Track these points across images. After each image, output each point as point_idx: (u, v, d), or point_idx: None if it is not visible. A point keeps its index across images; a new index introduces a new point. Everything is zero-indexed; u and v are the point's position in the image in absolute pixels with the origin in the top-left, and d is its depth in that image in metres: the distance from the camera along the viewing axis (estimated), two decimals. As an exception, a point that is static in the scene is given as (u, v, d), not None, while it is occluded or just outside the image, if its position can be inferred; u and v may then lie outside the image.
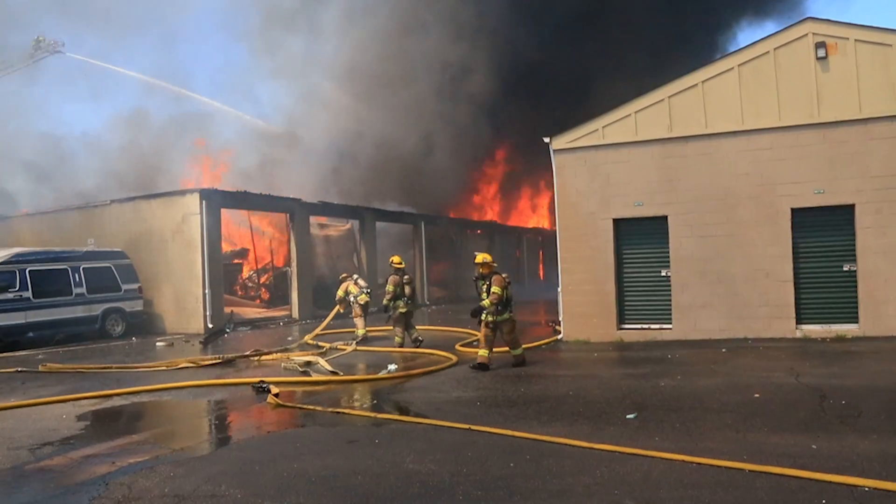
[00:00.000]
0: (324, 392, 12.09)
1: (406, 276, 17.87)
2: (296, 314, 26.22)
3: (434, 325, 22.74)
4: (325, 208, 28.44)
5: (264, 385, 12.13)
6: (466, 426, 8.80)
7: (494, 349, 13.73)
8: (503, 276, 13.92)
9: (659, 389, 10.94)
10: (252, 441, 8.91)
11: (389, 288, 17.45)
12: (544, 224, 50.60)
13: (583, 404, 10.11)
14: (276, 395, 11.18)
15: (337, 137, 31.62)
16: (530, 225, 49.57)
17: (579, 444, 7.81)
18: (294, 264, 26.46)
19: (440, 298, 34.28)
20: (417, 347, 16.95)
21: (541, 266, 48.55)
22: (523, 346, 14.49)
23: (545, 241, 48.52)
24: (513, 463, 7.29)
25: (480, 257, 14.04)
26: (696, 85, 16.16)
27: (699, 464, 7.00)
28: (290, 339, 20.21)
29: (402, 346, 17.18)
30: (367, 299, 19.38)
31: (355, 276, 20.37)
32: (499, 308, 13.61)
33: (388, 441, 8.37)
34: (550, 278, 47.05)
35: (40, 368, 15.76)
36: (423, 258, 33.27)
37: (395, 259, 18.24)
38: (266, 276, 30.19)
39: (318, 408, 10.40)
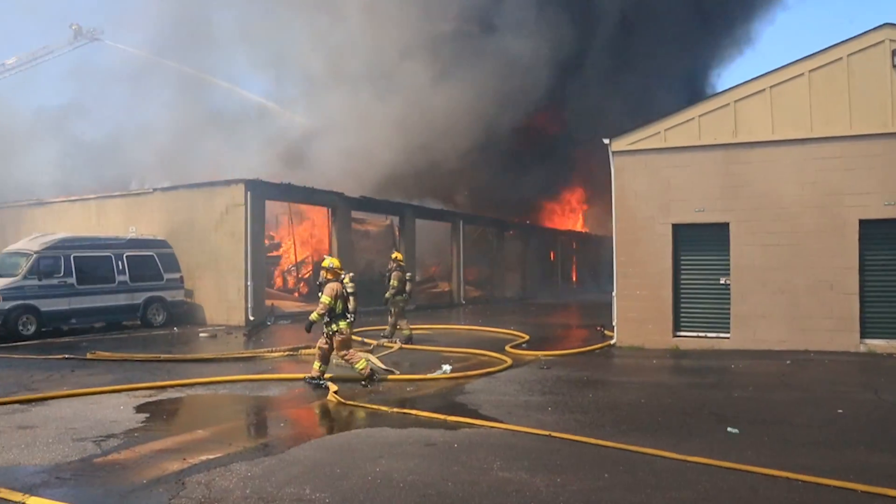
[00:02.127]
0: (380, 391, 11.83)
1: (408, 274, 18.30)
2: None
3: (474, 325, 22.45)
4: (366, 203, 28.19)
5: (321, 381, 11.92)
6: (547, 433, 8.53)
7: (547, 352, 13.40)
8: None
9: (734, 401, 10.62)
10: (325, 441, 8.67)
11: (395, 283, 17.79)
12: (578, 227, 50.23)
13: (660, 413, 9.80)
14: (336, 393, 10.97)
15: (379, 133, 31.39)
16: (568, 227, 49.20)
17: (673, 455, 7.51)
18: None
19: (476, 298, 34.01)
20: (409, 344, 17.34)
21: (574, 269, 48.15)
22: (571, 351, 14.11)
23: (580, 245, 48.17)
24: (607, 474, 7.01)
25: (327, 261, 12.83)
26: (764, 90, 15.76)
27: (804, 482, 6.69)
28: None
29: (410, 338, 17.67)
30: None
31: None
32: (327, 318, 12.28)
33: (467, 446, 8.10)
34: (584, 281, 46.84)
35: (88, 356, 15.63)
36: (461, 257, 32.99)
37: (398, 255, 18.75)
38: (305, 269, 29.99)
39: (384, 408, 10.15)
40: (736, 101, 15.99)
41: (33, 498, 6.41)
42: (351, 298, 12.62)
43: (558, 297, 39.04)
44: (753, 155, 15.86)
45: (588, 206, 49.56)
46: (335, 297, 12.23)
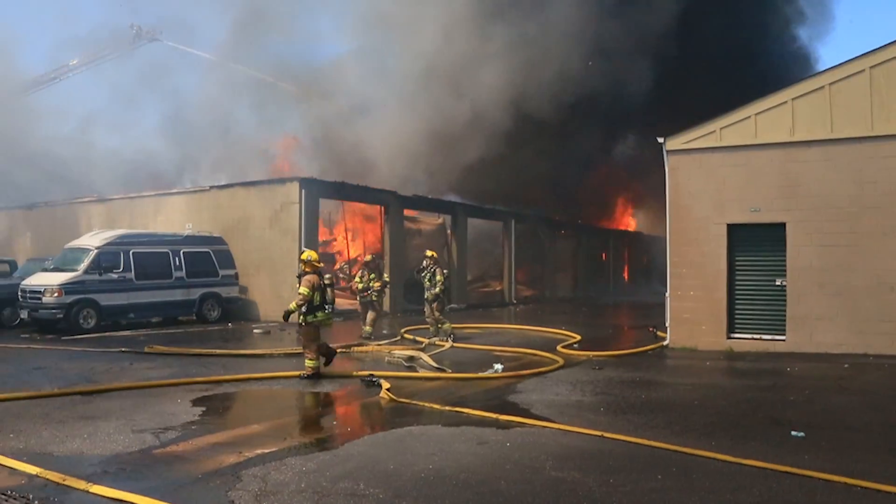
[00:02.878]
0: (433, 389, 11.90)
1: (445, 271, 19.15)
2: (387, 307, 26.17)
3: (525, 324, 22.42)
4: (418, 201, 28.36)
5: (374, 379, 12.03)
6: (599, 433, 8.51)
7: (599, 352, 13.25)
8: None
9: (790, 404, 10.47)
10: (378, 437, 8.75)
11: (440, 279, 18.38)
12: (631, 226, 49.81)
13: (714, 415, 9.71)
14: (389, 390, 11.06)
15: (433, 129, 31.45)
16: (618, 226, 48.83)
17: (728, 458, 7.44)
18: (387, 257, 26.43)
19: (528, 297, 33.94)
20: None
21: (626, 268, 47.77)
22: (624, 351, 14.02)
23: (631, 244, 47.77)
24: (660, 475, 6.97)
25: (305, 254, 13.19)
26: (823, 87, 15.47)
27: (864, 488, 6.59)
28: (384, 332, 20.09)
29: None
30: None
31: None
32: (304, 309, 12.65)
33: (520, 445, 8.12)
34: (635, 281, 46.45)
35: (146, 350, 16.00)
36: (512, 256, 32.96)
37: (433, 253, 19.16)
38: (357, 267, 30.21)
39: (436, 406, 10.21)
40: (794, 99, 15.71)
41: (96, 486, 6.59)
42: (328, 290, 13.02)
43: (609, 297, 38.78)
44: (811, 154, 15.58)
45: (640, 205, 49.11)
46: (313, 289, 12.65)
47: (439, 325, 18.27)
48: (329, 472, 7.07)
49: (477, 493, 6.46)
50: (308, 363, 12.71)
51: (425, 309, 18.63)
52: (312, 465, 7.37)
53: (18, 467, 7.18)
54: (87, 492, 6.53)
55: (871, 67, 15.09)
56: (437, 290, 18.22)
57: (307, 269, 12.95)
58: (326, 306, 12.88)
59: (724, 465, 7.33)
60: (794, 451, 7.81)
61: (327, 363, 13.12)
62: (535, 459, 7.50)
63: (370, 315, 18.80)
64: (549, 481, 6.80)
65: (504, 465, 7.34)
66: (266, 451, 7.90)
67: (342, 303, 26.36)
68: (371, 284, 18.87)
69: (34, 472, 6.99)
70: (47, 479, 6.82)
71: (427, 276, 18.41)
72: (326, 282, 13.07)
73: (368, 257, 20.49)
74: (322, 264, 13.55)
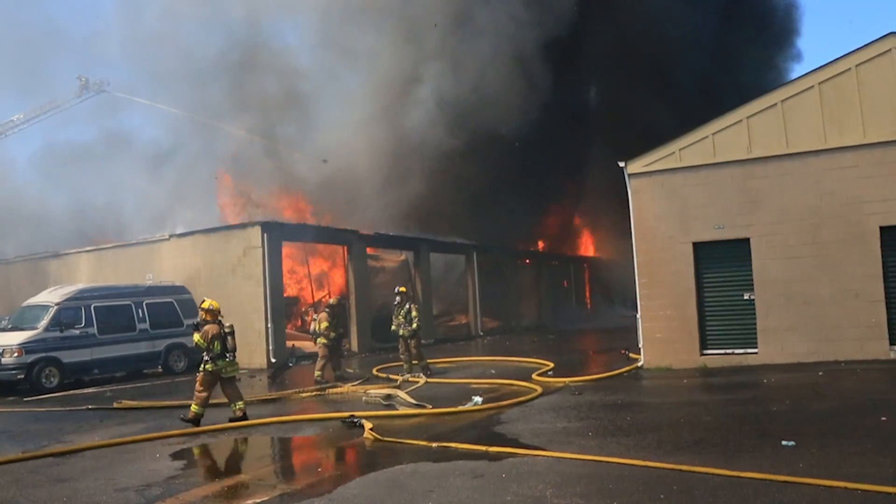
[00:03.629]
0: (415, 426, 11.75)
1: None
2: (355, 347, 26.00)
3: (496, 355, 22.36)
4: (381, 239, 28.30)
5: (355, 420, 11.84)
6: (594, 458, 8.47)
7: (576, 378, 13.26)
8: None
9: (774, 415, 10.55)
10: (370, 479, 8.53)
11: (416, 314, 18.37)
12: (590, 251, 50.19)
13: (702, 432, 9.73)
14: (372, 430, 10.90)
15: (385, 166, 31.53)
16: (578, 252, 49.17)
17: (726, 472, 7.45)
18: (352, 296, 26.27)
19: (493, 329, 33.91)
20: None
21: (587, 294, 48.07)
22: (600, 375, 14.07)
23: (591, 270, 48.10)
24: (662, 495, 6.95)
25: (207, 303, 13.18)
26: (776, 104, 15.86)
27: (864, 491, 6.63)
28: (350, 371, 19.83)
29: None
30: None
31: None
32: (206, 357, 12.79)
33: (516, 475, 8.03)
34: (597, 306, 46.72)
35: (115, 405, 15.58)
36: (476, 288, 32.97)
37: (403, 289, 19.10)
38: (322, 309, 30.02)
39: (423, 442, 10.06)
40: (749, 118, 16.07)
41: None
42: (229, 338, 12.94)
43: (574, 323, 38.87)
44: (770, 169, 15.90)
45: (597, 229, 49.52)
46: (210, 339, 12.64)
47: (414, 362, 18.11)
48: (328, 517, 6.92)
49: (483, 527, 6.36)
50: (193, 408, 12.71)
51: (400, 346, 18.45)
52: (310, 512, 7.20)
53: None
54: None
55: (820, 83, 15.54)
56: (414, 325, 18.10)
57: (207, 318, 12.93)
58: (228, 355, 12.83)
59: (723, 479, 7.33)
60: (788, 461, 7.84)
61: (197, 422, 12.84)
62: (535, 489, 7.42)
63: (318, 361, 18.32)
64: (553, 509, 6.74)
65: (504, 496, 7.25)
66: (258, 500, 7.71)
67: (309, 346, 26.15)
68: (319, 328, 18.50)
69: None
70: (33, 547, 6.56)
71: (402, 314, 18.24)
72: (227, 330, 12.96)
73: (333, 301, 20.01)
74: (222, 316, 13.29)
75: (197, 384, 12.87)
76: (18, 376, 18.96)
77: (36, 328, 19.57)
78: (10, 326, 20.40)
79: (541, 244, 43.56)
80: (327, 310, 18.87)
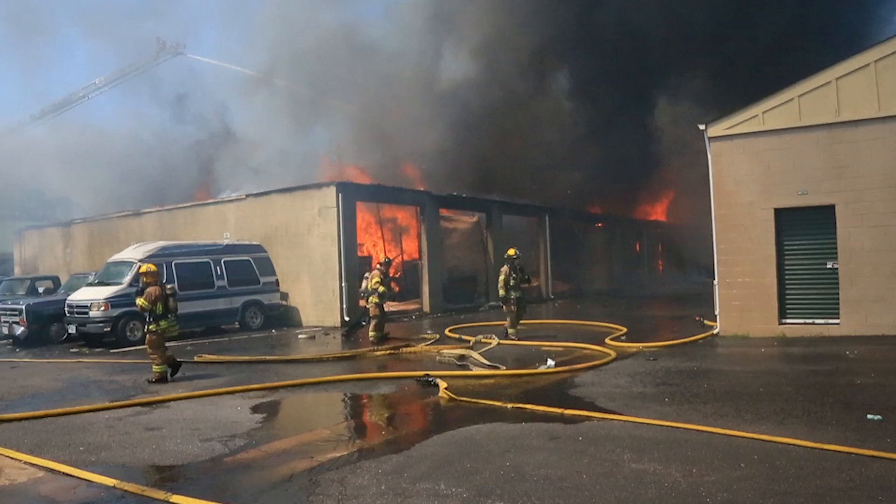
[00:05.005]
0: (488, 386, 11.80)
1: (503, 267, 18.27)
2: (426, 308, 26.20)
3: (568, 318, 22.28)
4: (453, 200, 28.29)
5: (430, 379, 11.96)
6: (673, 423, 8.40)
7: (650, 343, 13.18)
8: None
9: (858, 387, 10.29)
10: (447, 437, 8.62)
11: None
12: (662, 216, 49.39)
13: (783, 402, 9.54)
14: (447, 389, 11.00)
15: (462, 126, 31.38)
16: (650, 217, 48.46)
17: (809, 444, 7.32)
18: (425, 257, 26.42)
19: (564, 292, 33.77)
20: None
21: (660, 259, 47.44)
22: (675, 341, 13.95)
23: (664, 234, 47.41)
24: (743, 464, 6.86)
25: (144, 268, 13.69)
26: (868, 65, 15.20)
27: (956, 469, 6.44)
28: (429, 331, 20.03)
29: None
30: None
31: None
32: (149, 318, 13.33)
33: (592, 438, 8.03)
34: (670, 272, 46.12)
35: (196, 359, 16.03)
36: (548, 251, 32.81)
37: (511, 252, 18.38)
38: (394, 269, 30.27)
39: (499, 403, 10.12)
40: (838, 79, 15.46)
41: (176, 496, 6.55)
42: (170, 300, 13.45)
43: (646, 288, 38.49)
44: (859, 133, 15.32)
45: (672, 193, 48.62)
46: (154, 300, 13.18)
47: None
48: (407, 474, 7.01)
49: (561, 489, 6.38)
50: (155, 369, 13.29)
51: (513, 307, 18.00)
52: (388, 467, 7.30)
53: (95, 479, 7.17)
54: (168, 502, 6.49)
55: (918, 42, 14.83)
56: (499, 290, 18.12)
57: (148, 281, 13.46)
58: (170, 315, 13.41)
59: (805, 451, 7.20)
60: (875, 436, 7.65)
61: (173, 373, 13.52)
62: (612, 452, 7.40)
63: (372, 322, 18.28)
64: (631, 473, 6.71)
65: (581, 459, 7.25)
66: (338, 454, 7.86)
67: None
68: (375, 287, 18.28)
69: (111, 484, 6.97)
70: (124, 490, 6.82)
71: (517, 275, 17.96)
72: (168, 292, 13.50)
73: (383, 258, 20.02)
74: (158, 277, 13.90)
75: (148, 350, 13.46)
76: (105, 329, 19.69)
77: (121, 283, 20.21)
78: (96, 282, 21.12)
79: (613, 208, 43.00)
80: (380, 267, 18.85)
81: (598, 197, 40.05)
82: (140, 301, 13.31)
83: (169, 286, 13.87)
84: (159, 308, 13.24)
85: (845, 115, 15.40)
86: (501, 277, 17.92)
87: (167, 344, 13.67)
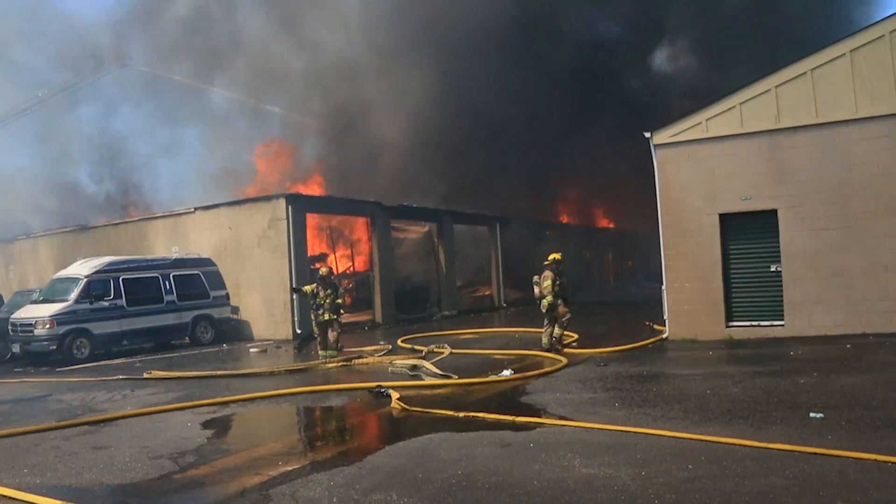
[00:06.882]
0: (441, 396, 11.80)
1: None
2: (379, 318, 26.12)
3: (521, 326, 22.39)
4: (404, 211, 28.25)
5: (382, 390, 11.93)
6: (622, 428, 8.51)
7: (601, 349, 13.39)
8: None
9: (802, 387, 10.51)
10: (399, 447, 8.64)
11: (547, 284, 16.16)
12: (610, 223, 49.92)
13: (729, 403, 9.72)
14: (399, 399, 10.99)
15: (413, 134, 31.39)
16: (598, 224, 48.93)
17: (754, 444, 7.46)
18: (376, 268, 26.37)
19: (516, 300, 33.90)
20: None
21: (609, 265, 47.93)
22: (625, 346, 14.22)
23: (613, 241, 47.92)
24: (691, 465, 6.97)
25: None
26: (805, 73, 15.58)
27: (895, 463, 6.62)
28: (381, 342, 19.96)
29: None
30: None
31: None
32: None
33: (543, 444, 8.10)
34: (619, 278, 46.62)
35: (145, 375, 15.80)
36: (500, 260, 32.97)
37: (556, 256, 16.67)
38: (347, 280, 30.12)
39: (451, 412, 10.14)
40: (777, 87, 15.83)
41: (127, 516, 6.48)
42: None
43: (596, 294, 38.70)
44: (798, 139, 15.69)
45: (616, 200, 49.15)
46: None
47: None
48: (358, 486, 6.99)
49: (512, 496, 6.42)
50: None
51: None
52: (340, 479, 7.27)
53: (40, 502, 7.01)
54: (118, 522, 6.42)
55: (852, 51, 15.23)
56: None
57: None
58: None
59: (751, 450, 7.34)
60: (817, 433, 7.84)
61: None
62: (563, 458, 7.47)
63: (331, 334, 17.15)
64: (581, 478, 6.78)
65: (532, 465, 7.31)
66: (289, 468, 7.81)
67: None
68: (324, 301, 17.17)
69: (58, 507, 6.86)
70: (73, 513, 6.71)
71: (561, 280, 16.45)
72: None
73: (323, 270, 18.22)
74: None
75: None
76: (51, 347, 19.32)
77: (67, 300, 19.86)
78: (41, 299, 20.70)
79: (563, 216, 43.36)
80: (319, 280, 17.53)
81: (549, 205, 40.37)
82: None
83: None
84: None
85: (785, 122, 15.77)
86: (547, 283, 16.01)
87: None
